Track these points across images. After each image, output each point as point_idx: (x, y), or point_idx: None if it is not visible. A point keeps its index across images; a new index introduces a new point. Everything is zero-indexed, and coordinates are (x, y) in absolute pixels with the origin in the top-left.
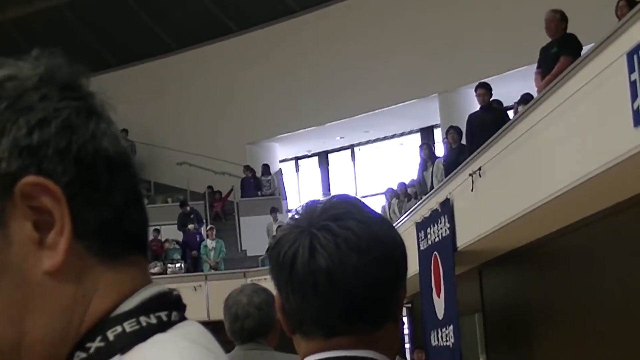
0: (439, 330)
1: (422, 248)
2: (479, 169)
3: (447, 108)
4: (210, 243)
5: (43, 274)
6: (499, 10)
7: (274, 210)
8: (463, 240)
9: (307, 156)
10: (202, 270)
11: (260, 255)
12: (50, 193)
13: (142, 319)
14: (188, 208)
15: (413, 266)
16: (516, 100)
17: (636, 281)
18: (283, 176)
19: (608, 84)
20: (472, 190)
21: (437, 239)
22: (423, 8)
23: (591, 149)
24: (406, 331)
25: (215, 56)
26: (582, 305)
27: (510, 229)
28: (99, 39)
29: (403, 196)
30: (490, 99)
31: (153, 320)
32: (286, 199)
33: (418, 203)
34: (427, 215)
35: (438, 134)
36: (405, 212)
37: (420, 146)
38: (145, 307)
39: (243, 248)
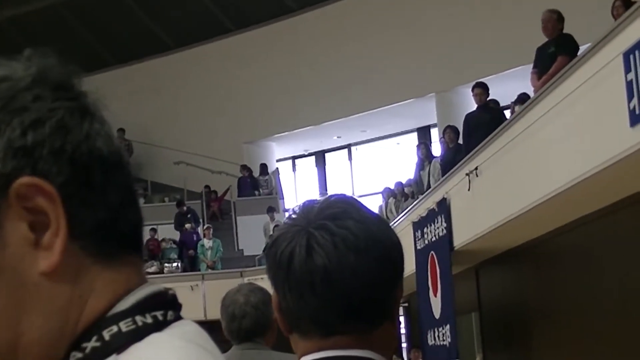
0: (436, 330)
1: (419, 247)
2: (476, 168)
3: (444, 107)
4: (207, 242)
5: (39, 275)
6: (496, 10)
7: (271, 210)
8: (460, 239)
9: (304, 155)
10: (199, 270)
11: (257, 255)
12: (46, 194)
13: (138, 318)
14: (185, 208)
15: (410, 265)
16: (513, 100)
17: (633, 280)
18: (280, 175)
19: (604, 84)
20: (469, 189)
21: (434, 239)
22: (420, 8)
23: (588, 148)
24: (403, 330)
25: (213, 55)
26: (578, 305)
27: (507, 229)
28: (96, 37)
29: (400, 195)
30: (487, 99)
31: (149, 320)
32: (283, 199)
33: (415, 202)
34: (424, 214)
35: (435, 133)
36: (402, 212)
37: (417, 146)
38: (141, 307)
39: (240, 247)
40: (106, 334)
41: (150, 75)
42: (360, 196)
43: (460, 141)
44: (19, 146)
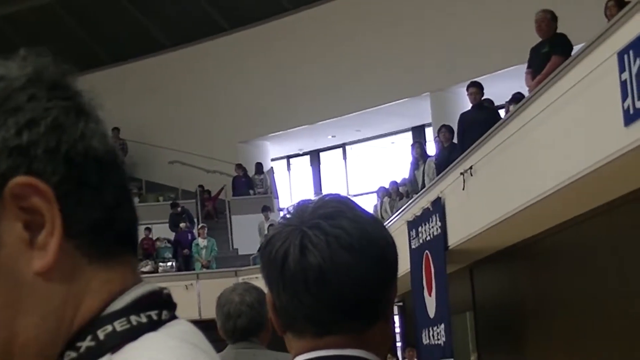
0: (431, 329)
1: (413, 247)
2: (471, 167)
3: (439, 107)
4: (201, 242)
5: (34, 274)
6: (491, 10)
7: (266, 209)
8: (454, 238)
9: (298, 155)
10: (194, 269)
11: (251, 254)
12: (41, 193)
13: (133, 318)
14: (179, 208)
15: (404, 265)
16: (507, 100)
17: (628, 279)
18: (275, 175)
19: (599, 84)
20: (463, 189)
21: (428, 238)
22: (415, 7)
23: (582, 148)
24: (397, 330)
25: (208, 55)
26: (572, 304)
27: (501, 228)
28: (92, 36)
29: (394, 195)
30: (482, 98)
31: (143, 319)
32: (278, 198)
33: (409, 202)
34: (418, 214)
35: (430, 132)
36: (397, 211)
37: (411, 145)
38: (136, 306)
39: (235, 247)
40: (101, 334)
41: (145, 75)
42: (355, 195)
43: (455, 140)
44: (14, 146)
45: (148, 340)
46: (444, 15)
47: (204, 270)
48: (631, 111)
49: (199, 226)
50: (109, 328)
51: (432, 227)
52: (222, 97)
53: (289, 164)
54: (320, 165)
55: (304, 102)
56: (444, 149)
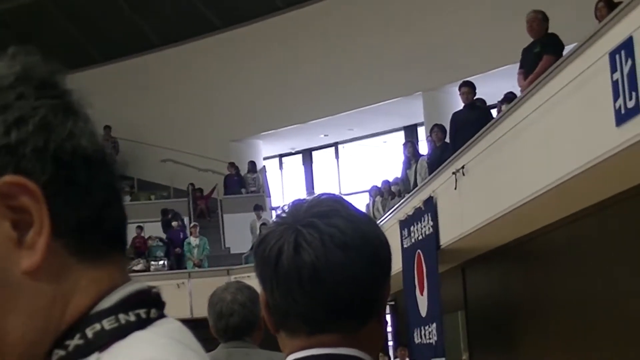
0: (422, 328)
1: (405, 246)
2: (463, 167)
3: (431, 106)
4: (193, 240)
5: (22, 273)
6: (483, 9)
7: (258, 208)
8: (446, 238)
9: (291, 154)
10: (186, 268)
11: (243, 253)
12: (29, 192)
13: (121, 316)
14: (170, 215)
15: (396, 264)
16: (500, 99)
17: (620, 279)
18: (267, 173)
19: (590, 84)
20: (455, 188)
21: (420, 237)
22: (407, 6)
23: (574, 147)
24: (389, 329)
25: (201, 53)
26: (564, 303)
27: (493, 227)
28: (84, 34)
29: (387, 194)
30: (474, 98)
31: (132, 318)
32: (270, 197)
33: (402, 201)
34: (410, 213)
35: (422, 132)
36: (389, 210)
37: (404, 144)
38: (124, 305)
39: (226, 245)
40: (89, 332)
41: (138, 73)
42: (347, 194)
43: (447, 140)
44: (2, 144)
45: (136, 338)
46: (437, 15)
47: (196, 269)
48: (623, 111)
49: (191, 225)
50: (98, 326)
51: (424, 226)
52: (214, 96)
53: (281, 162)
54: (313, 164)
55: (297, 101)
56: (436, 149)
